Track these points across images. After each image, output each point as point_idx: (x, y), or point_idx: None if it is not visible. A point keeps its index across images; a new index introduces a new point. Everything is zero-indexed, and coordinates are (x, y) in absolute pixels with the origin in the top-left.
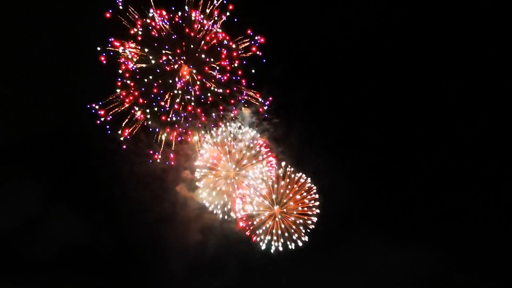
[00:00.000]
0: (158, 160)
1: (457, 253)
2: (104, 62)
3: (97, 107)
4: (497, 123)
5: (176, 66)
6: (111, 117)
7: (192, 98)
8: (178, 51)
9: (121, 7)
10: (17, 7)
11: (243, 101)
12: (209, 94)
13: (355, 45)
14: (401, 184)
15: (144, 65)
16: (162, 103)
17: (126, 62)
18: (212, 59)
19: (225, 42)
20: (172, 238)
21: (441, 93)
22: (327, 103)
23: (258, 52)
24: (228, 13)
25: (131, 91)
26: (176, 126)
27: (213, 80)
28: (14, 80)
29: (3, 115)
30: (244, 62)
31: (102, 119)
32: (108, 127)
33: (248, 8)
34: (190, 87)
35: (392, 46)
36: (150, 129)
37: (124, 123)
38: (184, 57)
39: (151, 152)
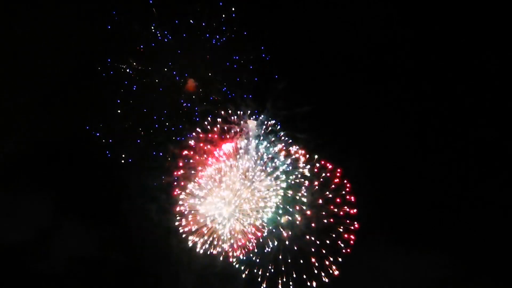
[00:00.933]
0: (163, 180)
1: (474, 258)
2: (105, 80)
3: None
4: None
5: (181, 84)
6: (111, 140)
7: (198, 120)
8: (183, 66)
9: (121, 23)
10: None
11: (252, 118)
12: (216, 111)
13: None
14: (413, 189)
15: (147, 82)
16: (167, 124)
17: (126, 82)
18: (219, 75)
19: (234, 56)
20: (181, 250)
21: (447, 96)
22: (333, 114)
23: (267, 66)
24: (235, 28)
25: (134, 109)
26: (183, 144)
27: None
28: (18, 96)
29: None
30: (256, 79)
31: (104, 140)
32: (109, 150)
33: (257, 21)
34: (196, 107)
35: (398, 55)
36: (154, 153)
37: (128, 142)
38: (189, 73)
39: (159, 167)
